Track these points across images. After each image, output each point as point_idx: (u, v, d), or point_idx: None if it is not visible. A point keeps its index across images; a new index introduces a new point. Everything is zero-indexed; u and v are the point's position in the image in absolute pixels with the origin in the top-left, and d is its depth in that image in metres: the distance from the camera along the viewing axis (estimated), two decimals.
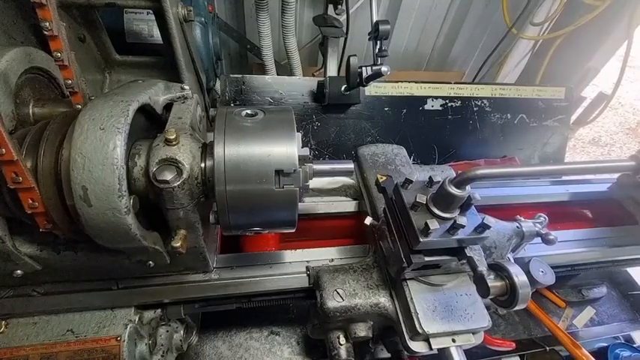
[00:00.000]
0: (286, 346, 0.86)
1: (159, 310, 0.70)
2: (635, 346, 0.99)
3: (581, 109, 1.85)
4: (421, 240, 0.51)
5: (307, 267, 0.72)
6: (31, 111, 0.65)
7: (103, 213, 0.46)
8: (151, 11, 0.82)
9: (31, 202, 0.49)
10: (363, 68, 1.04)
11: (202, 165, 0.52)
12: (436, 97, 1.28)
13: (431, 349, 0.57)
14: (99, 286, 0.67)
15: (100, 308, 0.66)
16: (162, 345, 0.70)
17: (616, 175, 1.02)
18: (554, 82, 1.81)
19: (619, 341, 1.00)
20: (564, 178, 1.08)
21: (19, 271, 0.59)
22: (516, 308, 0.54)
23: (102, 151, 0.45)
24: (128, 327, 0.63)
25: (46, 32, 0.57)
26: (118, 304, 0.66)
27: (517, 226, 0.74)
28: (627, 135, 3.37)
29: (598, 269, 0.89)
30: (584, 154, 3.11)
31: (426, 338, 0.58)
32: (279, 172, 0.51)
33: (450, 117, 1.30)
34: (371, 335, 0.66)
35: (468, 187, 0.50)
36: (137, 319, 0.65)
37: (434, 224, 0.50)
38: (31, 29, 0.72)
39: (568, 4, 1.61)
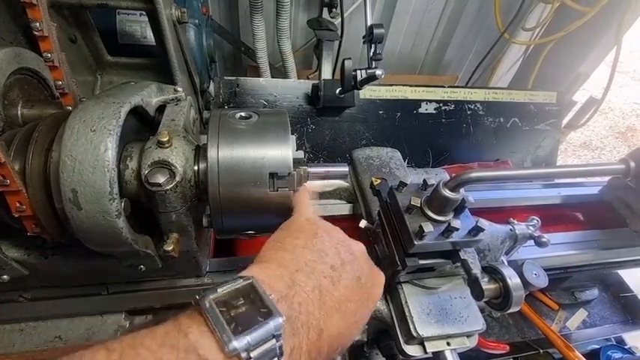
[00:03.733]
0: None
1: (150, 316, 0.69)
2: (626, 347, 1.00)
3: (572, 113, 1.88)
4: (416, 243, 0.50)
5: None
6: (19, 112, 0.64)
7: (93, 216, 0.46)
8: (144, 12, 0.81)
9: (18, 205, 0.48)
10: (358, 71, 1.04)
11: (195, 168, 0.52)
12: (430, 101, 1.28)
13: (426, 352, 0.57)
14: (88, 291, 0.65)
15: (89, 314, 0.64)
16: None
17: (606, 178, 1.04)
18: (546, 86, 1.84)
19: (611, 343, 1.01)
20: (556, 181, 1.10)
21: (5, 276, 0.58)
22: (510, 311, 0.54)
23: (93, 154, 0.44)
24: (118, 333, 0.62)
25: (36, 32, 0.56)
26: (107, 309, 0.65)
27: (510, 229, 0.75)
28: (617, 139, 3.43)
29: (590, 271, 0.90)
30: (576, 158, 3.16)
31: (421, 342, 0.57)
32: (273, 175, 0.51)
33: (443, 120, 1.31)
34: (365, 339, 0.65)
35: (461, 190, 0.50)
36: (128, 325, 0.64)
37: (428, 227, 0.50)
38: (21, 29, 0.71)
39: (559, 10, 1.64)
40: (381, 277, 0.48)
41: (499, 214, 0.94)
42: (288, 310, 0.33)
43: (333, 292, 0.38)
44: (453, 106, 1.30)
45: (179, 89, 0.62)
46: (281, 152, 0.51)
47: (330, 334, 0.36)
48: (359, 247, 0.47)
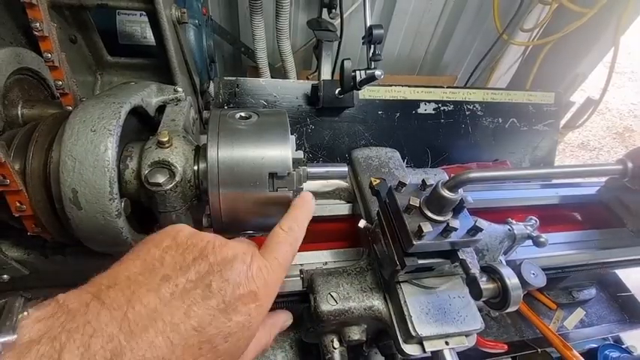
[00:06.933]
0: (279, 350, 0.86)
1: None
2: (623, 346, 1.00)
3: (570, 113, 1.89)
4: (415, 243, 0.51)
5: (301, 270, 0.71)
6: (19, 112, 0.64)
7: (93, 216, 0.46)
8: (144, 13, 0.81)
9: (18, 204, 0.48)
10: (357, 72, 1.04)
11: (195, 168, 0.52)
12: (429, 101, 1.29)
13: (424, 351, 0.57)
14: None
15: None
16: None
17: (604, 179, 1.04)
18: (544, 87, 1.84)
19: (608, 342, 1.01)
20: (554, 181, 1.10)
21: (5, 276, 0.58)
22: (508, 310, 0.54)
23: (93, 154, 0.45)
24: None
25: (36, 33, 0.56)
26: None
27: (509, 229, 0.75)
28: (614, 139, 3.44)
29: (588, 271, 0.90)
30: (573, 158, 3.17)
31: (420, 341, 0.58)
32: (272, 175, 0.51)
33: (442, 121, 1.31)
34: (365, 339, 0.65)
35: (460, 190, 0.51)
36: None
37: (427, 227, 0.50)
38: (21, 29, 0.71)
39: (557, 12, 1.64)
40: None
41: (497, 214, 0.94)
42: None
43: None
44: (451, 106, 1.31)
45: (179, 89, 0.62)
46: (280, 152, 0.52)
47: None
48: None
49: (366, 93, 1.23)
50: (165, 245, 0.33)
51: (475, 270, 0.53)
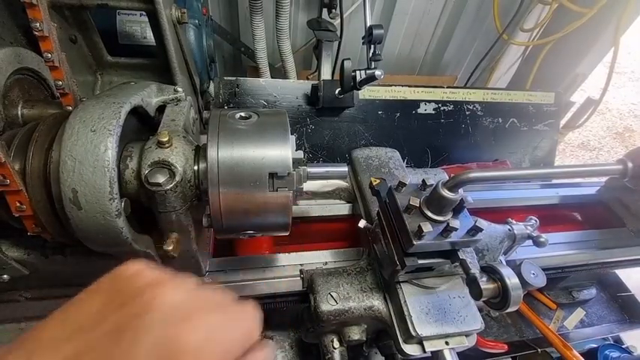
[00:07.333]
0: (280, 350, 0.86)
1: None
2: (624, 346, 1.00)
3: (570, 113, 1.89)
4: (415, 243, 0.51)
5: (301, 270, 0.71)
6: (19, 112, 0.64)
7: (93, 216, 0.46)
8: (144, 13, 0.81)
9: (18, 204, 0.48)
10: (357, 72, 1.04)
11: (195, 168, 0.52)
12: (429, 101, 1.29)
13: (424, 352, 0.57)
14: None
15: None
16: None
17: (604, 179, 1.04)
18: (544, 87, 1.84)
19: (608, 342, 1.01)
20: (554, 181, 1.10)
21: (5, 276, 0.58)
22: (508, 310, 0.54)
23: (93, 154, 0.45)
24: None
25: (36, 32, 0.56)
26: None
27: (509, 229, 0.75)
28: (614, 139, 3.44)
29: (588, 271, 0.90)
30: (574, 158, 3.17)
31: (420, 341, 0.58)
32: (272, 175, 0.51)
33: (442, 121, 1.31)
34: (365, 339, 0.66)
35: (460, 190, 0.51)
36: None
37: (427, 227, 0.50)
38: (21, 29, 0.71)
39: (557, 11, 1.64)
40: None
41: (497, 214, 0.94)
42: None
43: None
44: (451, 106, 1.31)
45: (179, 89, 0.62)
46: (281, 152, 0.52)
47: None
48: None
49: (366, 93, 1.23)
50: (100, 287, 0.29)
51: (475, 270, 0.53)
